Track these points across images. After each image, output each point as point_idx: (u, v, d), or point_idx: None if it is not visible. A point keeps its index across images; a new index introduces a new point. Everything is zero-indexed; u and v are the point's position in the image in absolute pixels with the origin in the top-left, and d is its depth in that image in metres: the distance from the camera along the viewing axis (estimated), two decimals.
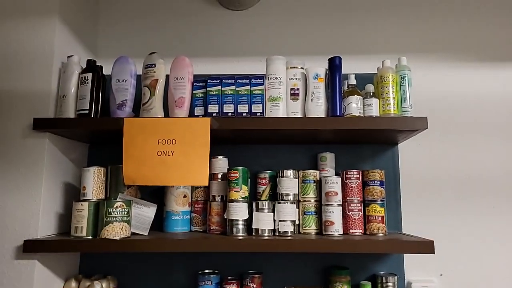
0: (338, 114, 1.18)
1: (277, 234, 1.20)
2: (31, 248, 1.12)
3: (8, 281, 1.13)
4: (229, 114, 1.21)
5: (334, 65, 1.22)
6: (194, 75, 1.27)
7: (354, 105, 1.19)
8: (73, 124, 1.18)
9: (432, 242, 1.08)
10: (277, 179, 1.27)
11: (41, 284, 1.15)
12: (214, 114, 1.21)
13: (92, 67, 1.27)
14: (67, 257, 1.30)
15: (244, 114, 1.20)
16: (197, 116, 1.23)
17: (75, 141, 1.36)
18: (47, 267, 1.18)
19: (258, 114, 1.20)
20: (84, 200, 1.18)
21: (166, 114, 1.24)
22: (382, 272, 1.29)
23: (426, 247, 1.09)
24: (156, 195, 1.34)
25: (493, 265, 1.33)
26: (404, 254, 1.32)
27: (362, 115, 1.20)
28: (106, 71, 1.30)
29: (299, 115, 1.22)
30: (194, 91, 1.26)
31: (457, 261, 1.34)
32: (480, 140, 1.41)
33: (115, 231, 1.13)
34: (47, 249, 1.12)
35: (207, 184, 1.18)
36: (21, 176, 1.17)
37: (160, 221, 1.29)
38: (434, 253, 1.06)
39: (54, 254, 1.21)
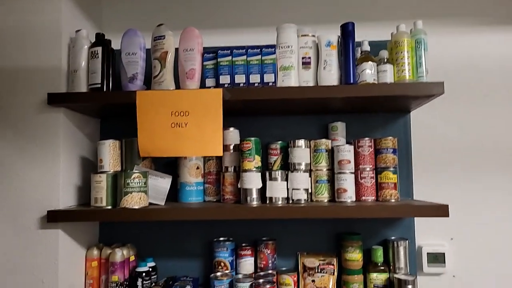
0: (351, 81, 1.16)
1: (290, 202, 1.23)
2: (54, 218, 1.16)
3: (34, 250, 1.18)
4: (241, 85, 1.20)
5: (347, 31, 1.19)
6: (204, 47, 1.26)
7: (368, 72, 1.17)
8: (87, 98, 1.19)
9: (447, 206, 1.10)
10: (289, 149, 1.28)
11: (65, 252, 1.21)
12: (226, 85, 1.21)
13: (101, 40, 1.26)
14: (88, 226, 1.36)
15: (256, 84, 1.20)
16: (209, 87, 1.22)
17: (88, 116, 1.38)
18: (70, 236, 1.23)
19: (270, 84, 1.19)
20: (102, 172, 1.22)
21: (177, 86, 1.24)
22: (393, 237, 1.33)
23: (440, 211, 1.10)
24: (170, 167, 1.36)
25: (503, 229, 1.35)
26: (415, 220, 1.34)
27: (376, 82, 1.19)
28: (114, 45, 1.29)
29: (311, 84, 1.21)
30: (205, 63, 1.24)
31: (468, 226, 1.36)
32: (493, 107, 1.39)
33: (134, 200, 1.17)
34: (70, 219, 1.17)
35: (221, 154, 1.20)
36: (39, 150, 1.20)
37: (175, 192, 1.32)
38: (448, 216, 1.08)
39: (76, 224, 1.27)
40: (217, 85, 1.22)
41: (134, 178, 1.18)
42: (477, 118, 1.39)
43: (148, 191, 1.22)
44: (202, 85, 1.23)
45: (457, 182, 1.37)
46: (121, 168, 1.27)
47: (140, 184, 1.19)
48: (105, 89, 1.22)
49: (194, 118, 1.18)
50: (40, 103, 1.21)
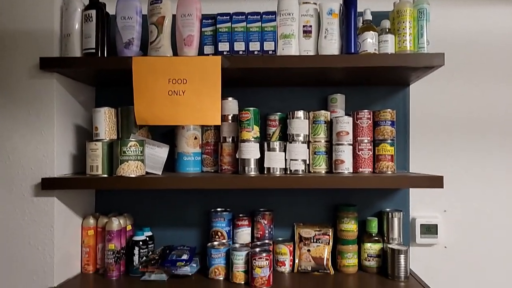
0: (352, 51, 1.15)
1: (288, 172, 1.24)
2: (49, 185, 1.15)
3: (30, 217, 1.17)
4: (240, 53, 1.18)
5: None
6: (202, 15, 1.22)
7: (370, 41, 1.15)
8: (80, 63, 1.16)
9: (441, 177, 1.11)
10: (288, 120, 1.27)
11: (61, 220, 1.20)
12: (225, 53, 1.18)
13: (95, 3, 1.21)
14: (83, 195, 1.34)
15: (256, 52, 1.17)
16: (207, 55, 1.20)
17: (82, 84, 1.34)
18: (66, 204, 1.23)
19: (270, 53, 1.17)
20: (97, 140, 1.20)
21: (175, 53, 1.21)
22: (388, 209, 1.35)
23: (435, 182, 1.12)
24: (167, 137, 1.34)
25: (496, 202, 1.38)
26: (410, 192, 1.37)
27: (377, 52, 1.17)
28: (109, 9, 1.23)
29: (312, 54, 1.19)
30: (203, 29, 1.21)
31: (461, 199, 1.38)
32: (492, 81, 1.39)
33: (131, 169, 1.16)
34: (65, 186, 1.16)
35: (219, 124, 1.19)
36: (32, 116, 1.17)
37: (172, 163, 1.32)
38: (442, 187, 1.10)
39: (72, 192, 1.26)
40: (216, 52, 1.19)
41: (130, 146, 1.16)
42: (476, 93, 1.39)
43: (145, 160, 1.21)
44: (201, 52, 1.20)
45: (453, 156, 1.39)
46: (117, 136, 1.25)
47: (137, 152, 1.17)
48: (99, 55, 1.18)
49: (192, 86, 1.15)
50: (32, 68, 1.17)
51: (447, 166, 1.38)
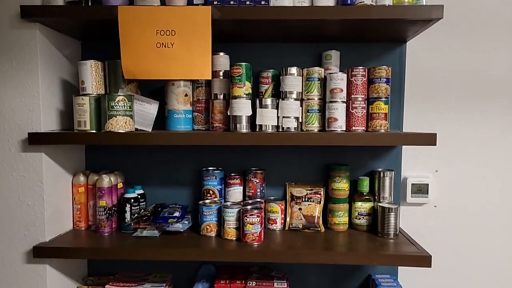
0: (348, 2, 1.10)
1: (280, 130, 1.22)
2: (36, 140, 1.13)
3: (18, 173, 1.16)
4: (231, 3, 1.12)
5: None
6: None
7: None
8: (63, 12, 1.10)
9: (434, 134, 1.10)
10: (281, 77, 1.24)
11: (50, 176, 1.19)
12: (215, 3, 1.12)
13: None
14: (73, 152, 1.33)
15: (248, 3, 1.12)
16: (197, 5, 1.14)
17: (67, 36, 1.29)
18: (54, 160, 1.21)
19: (263, 3, 1.11)
20: (84, 95, 1.16)
21: (163, 2, 1.15)
22: (380, 169, 1.35)
23: (428, 139, 1.11)
24: (157, 94, 1.31)
25: (488, 163, 1.38)
26: (403, 152, 1.36)
27: (374, 4, 1.13)
28: None
29: (306, 5, 1.14)
30: None
31: (453, 159, 1.38)
32: (491, 39, 1.35)
33: (119, 124, 1.13)
34: (52, 141, 1.13)
35: (210, 78, 1.15)
36: (16, 69, 1.13)
37: (162, 121, 1.29)
38: (435, 145, 1.09)
39: (60, 148, 1.24)
40: (206, 2, 1.13)
41: (118, 101, 1.13)
42: (474, 52, 1.35)
43: (134, 116, 1.18)
44: (190, 2, 1.14)
45: (447, 116, 1.37)
46: (105, 92, 1.21)
47: (125, 107, 1.14)
48: (83, 3, 1.13)
49: (181, 38, 1.11)
50: (13, 17, 1.11)
51: (441, 126, 1.36)
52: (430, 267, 1.09)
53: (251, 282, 1.26)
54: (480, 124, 1.37)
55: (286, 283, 1.26)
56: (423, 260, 1.11)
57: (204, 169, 1.34)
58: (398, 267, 1.37)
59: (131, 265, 1.40)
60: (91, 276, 1.37)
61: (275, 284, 1.26)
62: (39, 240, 1.17)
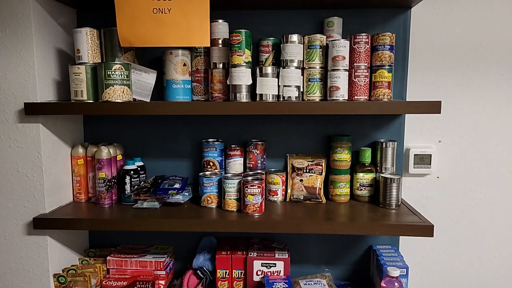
0: None
1: (281, 99, 1.20)
2: (33, 110, 1.11)
3: (16, 144, 1.15)
4: None
5: None
6: None
7: None
8: None
9: (439, 102, 1.07)
10: (281, 45, 1.20)
11: (48, 147, 1.18)
12: None
13: None
14: (71, 124, 1.31)
15: None
16: None
17: (62, 4, 1.25)
18: (52, 132, 1.19)
19: None
20: (81, 64, 1.13)
21: None
22: (382, 139, 1.33)
23: (432, 107, 1.08)
24: (155, 64, 1.29)
25: (492, 134, 1.35)
26: (405, 123, 1.34)
27: None
28: None
29: None
30: None
31: (457, 129, 1.36)
32: (498, 6, 1.30)
33: (117, 94, 1.11)
34: (49, 111, 1.11)
35: (208, 45, 1.12)
36: (9, 36, 1.10)
37: (161, 91, 1.27)
38: (440, 113, 1.07)
39: (57, 119, 1.22)
40: None
41: (115, 70, 1.10)
42: (480, 18, 1.31)
43: (131, 86, 1.15)
44: None
45: (452, 85, 1.34)
46: (101, 61, 1.18)
47: (123, 76, 1.12)
48: None
49: (178, 3, 1.07)
50: None
51: (445, 95, 1.33)
52: (433, 236, 1.08)
53: (252, 253, 1.26)
54: (485, 94, 1.34)
55: (287, 254, 1.26)
56: (426, 229, 1.10)
57: (204, 140, 1.33)
58: (400, 238, 1.37)
59: (132, 238, 1.41)
60: (93, 248, 1.38)
61: (276, 254, 1.26)
62: (39, 212, 1.16)
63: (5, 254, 1.19)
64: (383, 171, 1.30)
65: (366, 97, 1.21)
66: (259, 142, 1.32)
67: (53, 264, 1.21)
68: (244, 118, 1.36)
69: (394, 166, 1.30)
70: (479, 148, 1.36)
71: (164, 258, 1.29)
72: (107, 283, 1.26)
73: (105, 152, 1.23)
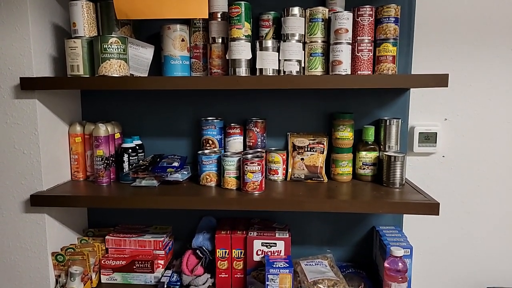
0: None
1: (282, 74, 1.16)
2: (28, 85, 1.09)
3: (12, 120, 1.13)
4: None
5: None
6: None
7: None
8: None
9: (446, 75, 1.03)
10: (282, 18, 1.17)
11: (45, 124, 1.16)
12: None
13: None
14: (68, 100, 1.29)
15: None
16: None
17: None
18: (49, 108, 1.17)
19: None
20: (77, 37, 1.11)
21: None
22: (386, 117, 1.29)
23: (440, 80, 1.04)
24: (153, 39, 1.26)
25: (500, 111, 1.31)
26: (410, 99, 1.30)
27: None
28: None
29: None
30: None
31: (464, 107, 1.31)
32: None
33: (113, 68, 1.09)
34: (45, 86, 1.09)
35: (206, 16, 1.09)
36: (4, 10, 1.08)
37: (159, 67, 1.24)
38: (447, 86, 1.03)
39: (54, 95, 1.20)
40: None
41: (111, 43, 1.08)
42: None
43: (128, 60, 1.13)
44: None
45: (459, 60, 1.29)
46: (98, 34, 1.16)
47: (119, 50, 1.09)
48: None
49: None
50: None
51: (452, 71, 1.29)
52: (438, 214, 1.05)
53: (252, 233, 1.24)
54: (494, 70, 1.29)
55: (288, 234, 1.24)
56: (431, 207, 1.06)
57: (203, 118, 1.30)
58: (403, 219, 1.34)
59: (131, 218, 1.40)
60: (92, 228, 1.37)
61: (276, 234, 1.24)
62: (36, 190, 1.15)
63: (3, 232, 1.18)
64: (387, 149, 1.26)
65: (369, 72, 1.17)
66: (259, 120, 1.29)
67: (52, 243, 1.19)
68: (244, 95, 1.33)
69: (398, 144, 1.27)
70: (487, 126, 1.32)
71: (163, 238, 1.28)
72: (106, 262, 1.25)
73: (103, 129, 1.21)
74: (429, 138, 1.31)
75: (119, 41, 1.08)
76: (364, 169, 1.27)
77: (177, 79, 1.10)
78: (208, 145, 1.28)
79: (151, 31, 1.27)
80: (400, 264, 1.12)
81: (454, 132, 1.33)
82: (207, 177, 1.22)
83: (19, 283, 1.19)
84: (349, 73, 1.16)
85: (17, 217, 1.17)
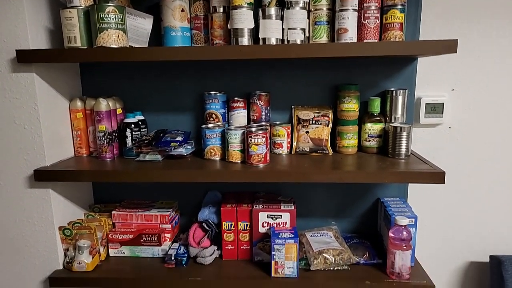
0: None
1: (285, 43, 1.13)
2: (25, 58, 1.06)
3: (11, 95, 1.11)
4: None
5: None
6: None
7: None
8: None
9: (456, 41, 0.99)
10: None
11: (44, 98, 1.13)
12: None
13: None
14: (67, 76, 1.26)
15: None
16: None
17: None
18: (48, 82, 1.15)
19: None
20: (72, 7, 1.06)
21: None
22: (392, 88, 1.27)
23: (448, 47, 1.00)
24: (152, 11, 1.21)
25: (507, 79, 1.28)
26: (417, 70, 1.26)
27: None
28: None
29: None
30: None
31: (472, 77, 1.29)
32: None
33: (111, 38, 1.05)
34: (42, 59, 1.06)
35: None
36: None
37: (158, 39, 1.21)
38: (456, 52, 0.99)
39: (53, 69, 1.17)
40: None
41: (109, 12, 1.04)
42: None
43: (126, 31, 1.09)
44: None
45: (468, 29, 1.25)
46: (94, 3, 1.11)
47: (117, 20, 1.05)
48: None
49: None
50: None
51: (460, 40, 1.24)
52: (444, 183, 1.05)
53: (257, 205, 1.24)
54: (504, 40, 1.25)
55: (293, 206, 1.24)
56: (437, 176, 1.06)
57: (206, 92, 1.28)
58: (408, 190, 1.34)
59: (136, 193, 1.40)
60: (98, 204, 1.37)
61: (282, 206, 1.24)
62: (39, 165, 1.14)
63: (9, 207, 1.18)
64: (393, 121, 1.24)
65: (376, 40, 1.14)
66: (263, 93, 1.27)
67: (58, 218, 1.20)
68: (247, 67, 1.29)
69: (405, 116, 1.25)
70: (495, 97, 1.29)
71: (169, 212, 1.28)
72: (113, 236, 1.26)
73: (104, 104, 1.19)
74: (435, 109, 1.29)
75: (116, 10, 1.04)
76: (369, 141, 1.25)
77: (178, 50, 1.06)
78: (211, 119, 1.26)
79: (149, 1, 1.22)
80: (404, 233, 1.13)
81: (462, 103, 1.30)
82: (211, 151, 1.21)
83: (28, 257, 1.21)
84: (355, 41, 1.13)
85: (22, 193, 1.17)
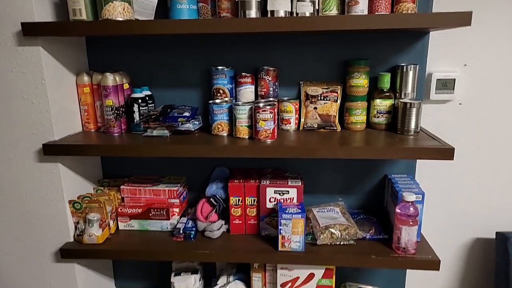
0: None
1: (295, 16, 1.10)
2: (31, 31, 1.05)
3: (17, 69, 1.10)
4: None
5: None
6: None
7: None
8: None
9: (470, 13, 0.96)
10: None
11: (51, 73, 1.13)
12: None
13: None
14: (73, 49, 1.25)
15: None
16: None
17: None
18: (54, 56, 1.14)
19: None
20: None
21: None
22: (402, 63, 1.24)
23: (462, 19, 0.97)
24: None
25: None
26: (429, 44, 1.23)
27: None
28: None
29: None
30: None
31: (485, 52, 1.25)
32: None
33: (117, 11, 1.03)
34: (48, 32, 1.05)
35: None
36: None
37: (165, 12, 1.18)
38: (470, 25, 0.96)
39: (59, 43, 1.16)
40: None
41: None
42: None
43: (132, 3, 1.07)
44: None
45: (482, 2, 1.21)
46: None
47: None
48: None
49: None
50: None
51: (474, 13, 1.19)
52: (453, 159, 1.04)
53: (265, 181, 1.24)
54: None
55: (300, 182, 1.25)
56: (446, 152, 1.05)
57: (213, 67, 1.27)
58: (416, 167, 1.34)
59: (145, 169, 1.41)
60: (106, 179, 1.39)
61: (289, 182, 1.24)
62: (48, 139, 1.15)
63: (20, 181, 1.20)
64: (403, 97, 1.22)
65: (388, 12, 1.10)
66: (271, 68, 1.25)
67: (68, 192, 1.22)
68: (255, 42, 1.27)
69: (415, 92, 1.23)
70: (508, 73, 1.26)
71: (177, 187, 1.30)
72: (123, 210, 1.28)
73: (111, 78, 1.18)
74: (446, 85, 1.26)
75: None
76: (378, 117, 1.24)
77: (185, 22, 1.04)
78: (219, 94, 1.25)
79: None
80: (411, 209, 1.13)
81: (473, 79, 1.28)
82: (219, 126, 1.21)
83: (40, 229, 1.23)
84: (366, 13, 1.09)
85: (31, 166, 1.18)
